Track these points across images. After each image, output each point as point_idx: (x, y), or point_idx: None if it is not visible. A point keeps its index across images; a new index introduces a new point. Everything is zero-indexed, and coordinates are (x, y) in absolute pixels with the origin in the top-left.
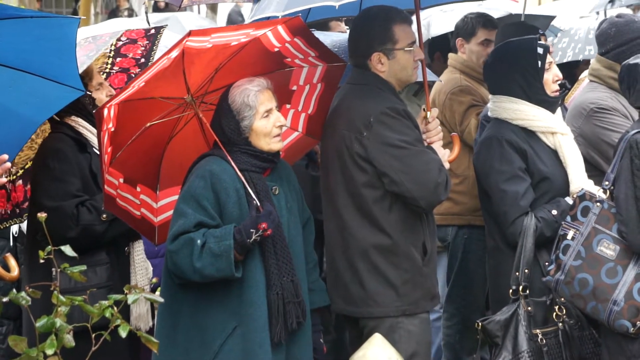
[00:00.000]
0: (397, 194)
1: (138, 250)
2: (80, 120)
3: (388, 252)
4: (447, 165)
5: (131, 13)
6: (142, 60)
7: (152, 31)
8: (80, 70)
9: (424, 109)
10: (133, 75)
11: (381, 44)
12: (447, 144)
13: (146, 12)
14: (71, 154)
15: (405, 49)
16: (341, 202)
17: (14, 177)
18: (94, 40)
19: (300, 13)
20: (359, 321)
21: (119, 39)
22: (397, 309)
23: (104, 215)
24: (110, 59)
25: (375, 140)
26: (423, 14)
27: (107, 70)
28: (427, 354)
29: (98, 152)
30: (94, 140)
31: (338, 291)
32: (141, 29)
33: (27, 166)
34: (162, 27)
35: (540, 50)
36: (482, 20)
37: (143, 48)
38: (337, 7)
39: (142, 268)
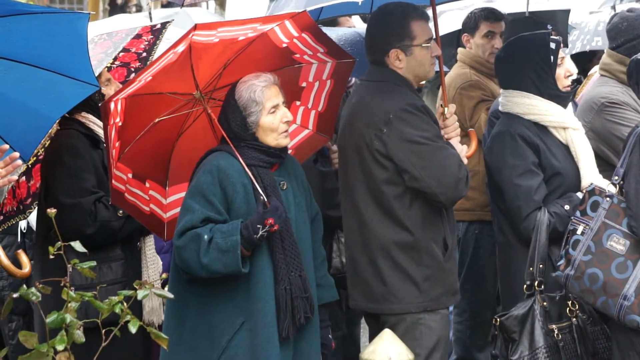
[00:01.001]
0: (418, 190)
1: (149, 245)
2: (90, 116)
3: (409, 248)
4: (464, 161)
5: (139, 9)
6: (144, 54)
7: (158, 26)
8: (100, 68)
9: (441, 105)
10: (132, 69)
11: (399, 41)
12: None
13: (150, 11)
14: (85, 150)
15: (423, 45)
16: (361, 199)
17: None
18: (109, 37)
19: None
20: (379, 317)
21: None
22: (419, 305)
23: (121, 212)
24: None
25: (395, 136)
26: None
27: (109, 64)
28: (445, 350)
29: None
30: None
31: (358, 288)
32: (148, 25)
33: (29, 162)
34: (167, 22)
35: (552, 45)
36: (485, 14)
37: (147, 43)
38: (360, 3)
39: (153, 263)
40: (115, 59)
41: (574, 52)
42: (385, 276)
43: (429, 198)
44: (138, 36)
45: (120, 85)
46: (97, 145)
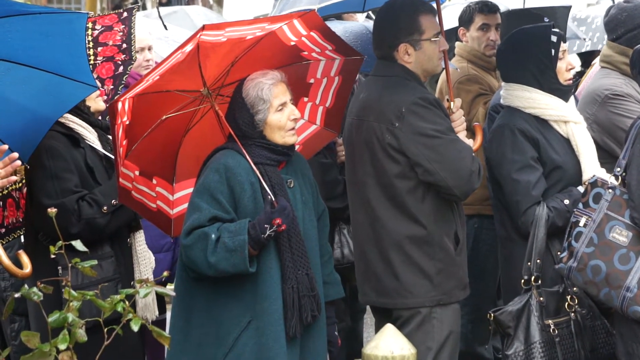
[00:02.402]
0: (431, 184)
1: (140, 241)
2: (69, 115)
3: (422, 242)
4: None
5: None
6: (124, 45)
7: (125, 14)
8: None
9: (447, 100)
10: (119, 63)
11: (408, 35)
12: None
13: (158, 10)
14: (65, 150)
15: (432, 39)
16: (372, 195)
17: (20, 184)
18: None
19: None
20: (392, 313)
21: (93, 28)
22: (432, 299)
23: (105, 208)
24: (92, 50)
25: (407, 130)
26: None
27: (92, 62)
28: (456, 344)
29: (92, 146)
30: (86, 134)
31: (369, 283)
32: (113, 13)
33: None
34: (133, 8)
35: (553, 38)
36: (479, 6)
37: (121, 33)
38: None
39: (144, 258)
40: (96, 55)
41: (583, 50)
42: (398, 271)
43: (442, 191)
44: (109, 28)
45: (101, 79)
46: (77, 144)
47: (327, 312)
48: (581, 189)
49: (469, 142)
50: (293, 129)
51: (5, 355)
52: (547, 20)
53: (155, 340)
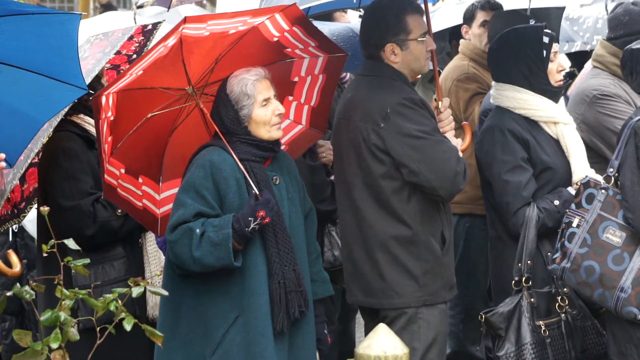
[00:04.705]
0: (416, 184)
1: (150, 241)
2: (87, 118)
3: (408, 242)
4: (460, 155)
5: (106, 9)
6: (134, 56)
7: (149, 27)
8: (99, 67)
9: (435, 99)
10: (121, 72)
11: (394, 35)
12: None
13: (134, 14)
14: (80, 151)
15: (419, 39)
16: (358, 195)
17: None
18: (105, 37)
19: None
20: (379, 313)
21: None
22: (418, 300)
23: (119, 211)
24: None
25: (392, 131)
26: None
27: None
28: (443, 344)
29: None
30: None
31: (357, 283)
32: (139, 25)
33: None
34: (158, 22)
35: (545, 40)
36: (481, 3)
37: (137, 44)
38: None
39: (155, 258)
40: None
41: (573, 50)
42: (384, 271)
43: (427, 192)
44: (130, 37)
45: None
46: (92, 146)
47: (316, 310)
48: (571, 189)
49: (458, 141)
50: (278, 123)
51: None
52: (532, 22)
53: None
